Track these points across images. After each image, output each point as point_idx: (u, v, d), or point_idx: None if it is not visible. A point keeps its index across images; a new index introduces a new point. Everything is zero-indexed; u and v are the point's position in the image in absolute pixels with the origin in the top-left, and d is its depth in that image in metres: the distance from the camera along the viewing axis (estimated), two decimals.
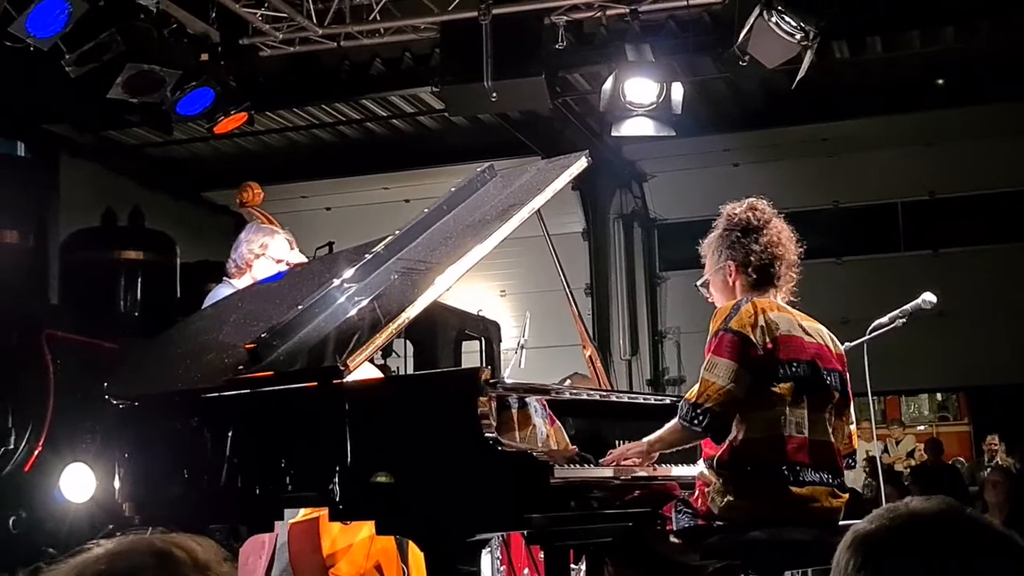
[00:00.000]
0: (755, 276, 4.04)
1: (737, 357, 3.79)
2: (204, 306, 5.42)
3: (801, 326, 3.98)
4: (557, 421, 4.04)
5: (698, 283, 4.28)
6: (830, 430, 3.94)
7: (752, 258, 4.03)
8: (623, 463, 3.99)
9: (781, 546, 3.72)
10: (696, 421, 3.80)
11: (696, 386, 3.86)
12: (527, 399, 3.92)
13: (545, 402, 4.03)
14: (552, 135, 11.55)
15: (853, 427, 4.17)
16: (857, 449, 4.26)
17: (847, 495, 3.97)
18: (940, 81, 11.47)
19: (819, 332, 4.06)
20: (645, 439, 4.03)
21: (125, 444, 4.35)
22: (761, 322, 3.84)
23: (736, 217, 4.11)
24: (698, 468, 4.10)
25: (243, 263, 5.68)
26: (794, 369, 3.86)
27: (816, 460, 3.85)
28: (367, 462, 3.66)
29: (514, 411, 3.84)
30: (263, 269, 5.66)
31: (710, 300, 4.20)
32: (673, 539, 3.92)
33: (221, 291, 5.55)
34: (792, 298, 4.14)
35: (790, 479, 3.78)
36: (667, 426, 3.97)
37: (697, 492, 3.94)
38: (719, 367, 3.80)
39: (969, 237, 13.35)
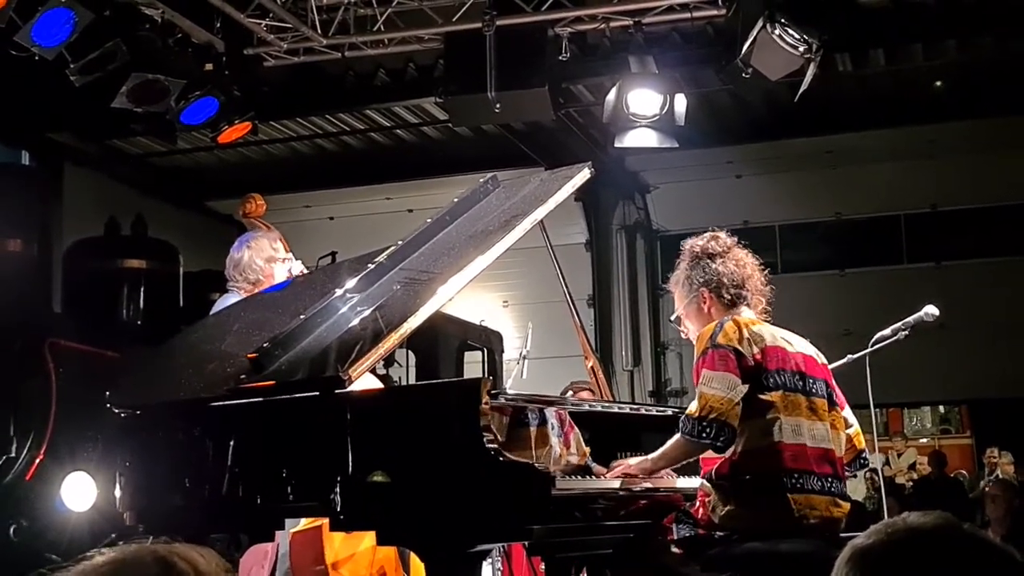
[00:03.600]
0: (728, 297, 4.12)
1: (730, 368, 3.84)
2: (208, 316, 5.40)
3: (784, 338, 4.04)
4: (576, 428, 4.05)
5: (671, 318, 4.36)
6: (829, 437, 3.95)
7: (724, 279, 4.13)
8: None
9: (782, 558, 3.72)
10: (704, 434, 3.81)
11: (695, 402, 3.87)
12: (547, 414, 3.92)
13: (564, 413, 4.03)
14: (555, 146, 11.57)
15: (853, 430, 4.19)
16: (865, 448, 4.27)
17: (848, 505, 3.97)
18: (939, 83, 11.46)
19: (803, 344, 4.12)
20: (650, 456, 4.04)
21: (127, 453, 4.34)
22: (746, 334, 3.91)
23: (699, 247, 4.22)
24: (699, 480, 4.10)
25: (262, 276, 5.53)
26: (782, 377, 3.90)
27: (815, 467, 3.86)
28: (368, 472, 3.66)
29: (532, 429, 3.85)
30: (281, 275, 5.59)
31: (686, 335, 4.29)
32: (674, 549, 3.93)
33: (230, 300, 5.51)
34: (764, 316, 4.19)
35: (788, 487, 3.80)
36: (670, 443, 3.98)
37: (698, 503, 3.95)
38: (714, 380, 3.84)
39: (971, 250, 13.37)
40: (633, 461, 4.08)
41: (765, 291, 4.21)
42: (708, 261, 4.17)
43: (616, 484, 3.95)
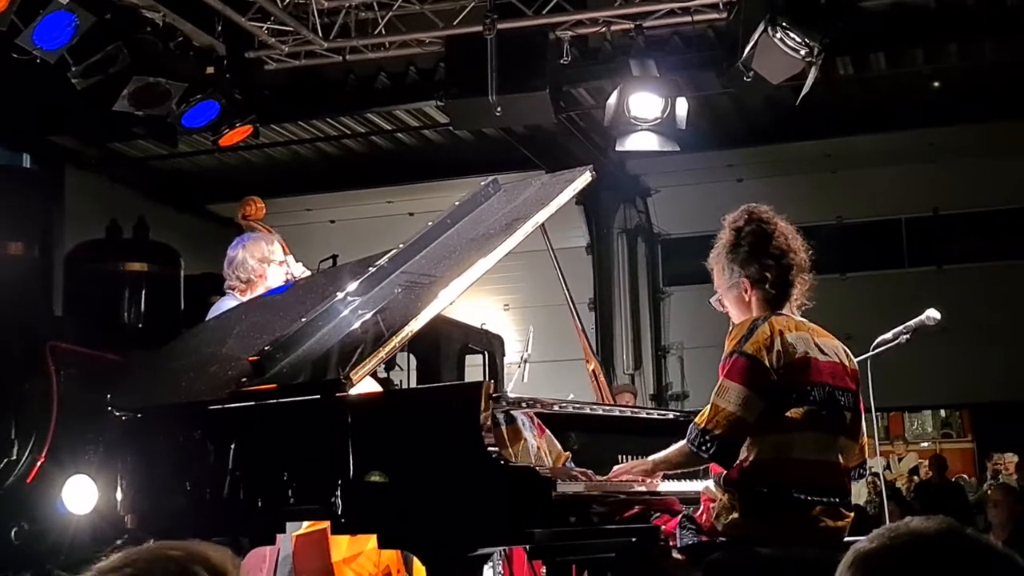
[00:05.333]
0: (773, 291, 3.94)
1: (748, 382, 3.72)
2: (208, 319, 5.41)
3: (817, 344, 3.89)
4: (547, 431, 4.03)
5: (712, 300, 4.14)
6: (839, 451, 3.88)
7: (768, 274, 3.93)
8: (626, 479, 3.99)
9: (785, 563, 3.71)
10: (704, 447, 3.76)
11: (706, 409, 3.80)
12: (514, 414, 3.91)
13: (532, 414, 4.02)
14: (556, 149, 11.57)
15: (863, 439, 4.13)
16: (867, 460, 4.23)
17: (852, 514, 3.95)
18: (936, 83, 11.46)
19: (835, 349, 3.96)
20: (651, 458, 4.02)
21: (128, 456, 4.34)
22: (777, 345, 3.76)
23: (743, 230, 3.99)
24: (701, 484, 4.08)
25: (254, 275, 5.58)
26: (809, 393, 3.78)
27: (823, 481, 3.80)
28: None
29: (503, 428, 3.83)
30: (275, 276, 5.61)
31: (724, 311, 4.09)
32: (676, 555, 3.91)
33: (225, 303, 5.53)
34: (805, 301, 4.03)
35: (795, 502, 3.74)
36: (675, 448, 3.93)
37: (702, 508, 3.92)
38: (729, 392, 3.73)
39: (973, 254, 13.37)
40: (634, 464, 4.06)
41: (807, 273, 4.01)
42: (750, 249, 3.95)
43: (618, 487, 3.94)
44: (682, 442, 3.88)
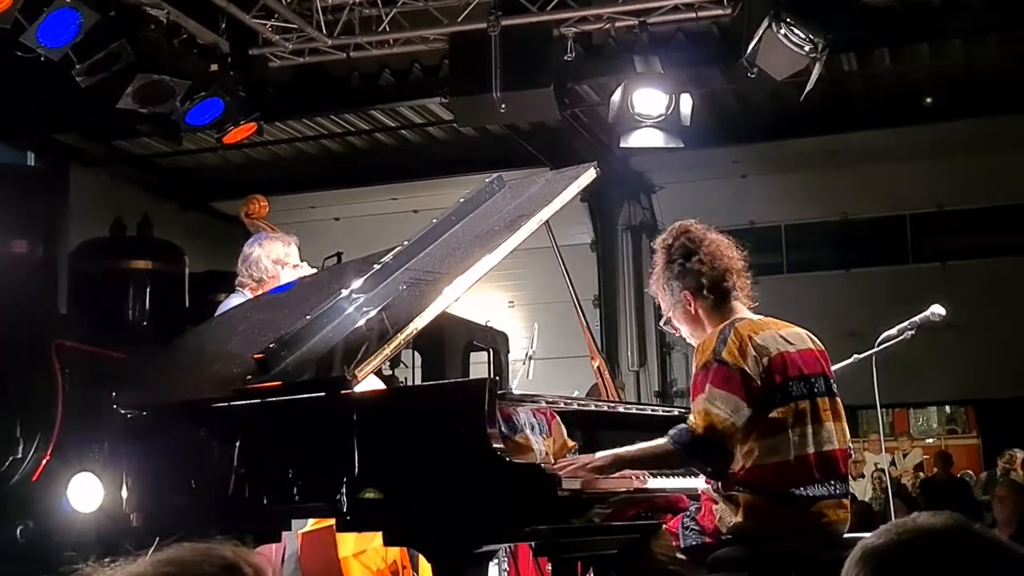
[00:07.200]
0: (712, 296, 4.00)
1: (737, 390, 3.73)
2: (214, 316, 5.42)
3: (783, 337, 3.91)
4: (557, 417, 4.02)
5: (661, 324, 4.22)
6: (833, 436, 3.87)
7: (703, 280, 3.99)
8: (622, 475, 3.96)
9: (789, 559, 3.71)
10: (703, 455, 3.78)
11: (696, 417, 3.77)
12: (516, 421, 3.88)
13: (536, 412, 4.01)
14: (560, 146, 11.56)
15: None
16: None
17: (849, 502, 3.94)
18: (928, 100, 11.53)
19: (800, 337, 3.98)
20: (621, 451, 3.87)
21: (133, 454, 4.35)
22: (751, 351, 3.78)
23: (673, 246, 4.08)
24: (702, 481, 4.07)
25: (267, 276, 5.58)
26: (790, 390, 3.80)
27: (822, 472, 3.80)
28: (374, 472, 3.67)
29: (510, 442, 3.80)
30: (288, 279, 5.61)
31: (678, 334, 4.16)
32: (680, 556, 3.90)
33: (233, 301, 5.53)
34: (748, 301, 4.08)
35: (796, 501, 3.75)
36: (656, 446, 3.85)
37: (704, 509, 3.91)
38: (721, 399, 3.73)
39: (977, 250, 13.38)
40: (603, 454, 3.89)
41: (746, 276, 4.08)
42: (683, 261, 4.03)
43: (623, 484, 3.93)
44: (665, 443, 3.82)
